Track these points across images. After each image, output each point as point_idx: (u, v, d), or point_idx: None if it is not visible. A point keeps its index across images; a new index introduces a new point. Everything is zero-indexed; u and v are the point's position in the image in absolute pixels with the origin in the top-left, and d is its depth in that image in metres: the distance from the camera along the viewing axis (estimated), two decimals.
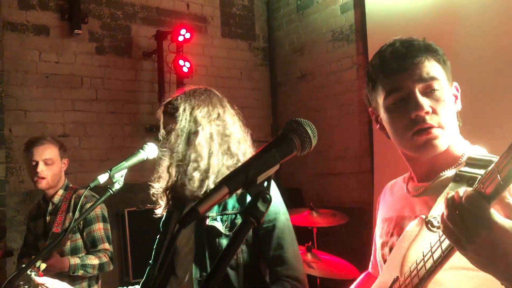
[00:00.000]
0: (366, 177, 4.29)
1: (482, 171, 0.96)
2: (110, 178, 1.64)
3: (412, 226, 1.09)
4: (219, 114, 1.68)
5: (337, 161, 4.62)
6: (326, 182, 4.70)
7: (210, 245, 1.59)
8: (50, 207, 2.72)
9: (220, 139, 1.64)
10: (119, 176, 1.65)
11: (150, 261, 1.83)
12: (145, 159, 1.71)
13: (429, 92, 1.08)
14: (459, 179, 1.03)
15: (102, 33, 4.36)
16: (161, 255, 1.75)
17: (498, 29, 3.14)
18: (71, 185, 2.81)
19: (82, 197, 2.50)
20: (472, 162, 1.06)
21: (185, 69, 4.30)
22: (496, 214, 0.75)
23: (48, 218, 2.72)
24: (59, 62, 4.12)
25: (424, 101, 1.06)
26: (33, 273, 2.09)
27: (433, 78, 1.08)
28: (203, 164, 1.59)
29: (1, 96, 3.64)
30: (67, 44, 4.17)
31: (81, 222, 2.62)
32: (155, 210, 1.79)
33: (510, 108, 2.95)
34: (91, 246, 2.64)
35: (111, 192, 1.63)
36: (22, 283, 2.07)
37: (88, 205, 2.57)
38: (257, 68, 5.35)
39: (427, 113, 1.06)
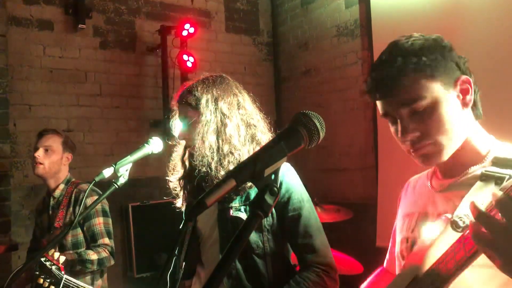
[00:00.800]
0: (371, 173, 4.28)
1: (510, 171, 0.96)
2: (115, 172, 1.64)
3: (435, 224, 1.06)
4: (240, 103, 1.68)
5: (341, 157, 4.61)
6: (331, 178, 4.69)
7: None
8: (52, 202, 2.74)
9: (246, 128, 1.64)
10: (124, 171, 1.65)
11: (175, 252, 1.83)
12: (150, 153, 1.71)
13: (417, 112, 1.06)
14: (485, 178, 1.00)
15: (106, 28, 4.35)
16: (185, 245, 1.75)
17: (505, 24, 3.11)
18: (73, 179, 2.82)
19: (85, 191, 2.52)
20: (499, 162, 1.03)
21: (189, 64, 4.29)
22: None
23: (50, 212, 2.73)
24: (63, 56, 4.12)
25: (411, 126, 1.06)
26: (53, 267, 2.11)
27: (416, 100, 1.05)
28: (237, 155, 1.59)
29: (6, 91, 3.64)
30: (71, 39, 4.16)
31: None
32: (175, 203, 1.80)
33: None
34: (91, 240, 2.64)
35: (116, 186, 1.63)
36: (43, 276, 2.08)
37: (88, 200, 2.59)
38: (261, 63, 5.33)
39: (415, 137, 1.06)
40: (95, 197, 2.62)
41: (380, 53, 1.14)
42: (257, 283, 1.57)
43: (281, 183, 1.59)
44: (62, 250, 2.57)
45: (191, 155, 1.68)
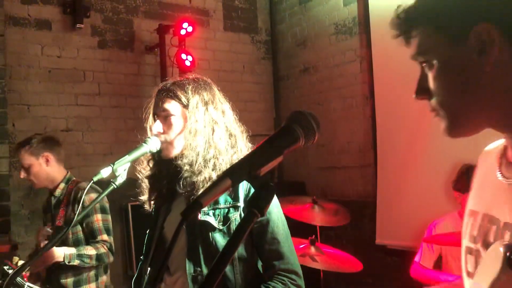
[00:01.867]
0: (370, 171, 4.29)
1: None
2: (113, 172, 1.63)
3: (491, 255, 0.78)
4: (225, 111, 1.69)
5: (340, 155, 4.61)
6: (330, 176, 4.70)
7: (204, 240, 1.58)
8: (53, 201, 2.75)
9: (229, 136, 1.65)
10: (122, 170, 1.64)
11: (141, 257, 1.83)
12: (148, 152, 1.70)
13: (430, 70, 0.87)
14: None
15: (104, 27, 4.35)
16: (152, 250, 1.74)
17: None
18: (74, 178, 2.81)
19: (84, 190, 2.52)
20: None
21: (187, 63, 4.29)
22: None
23: (53, 211, 2.74)
24: (61, 56, 4.12)
25: (423, 85, 0.89)
26: (10, 271, 2.13)
27: (425, 53, 0.86)
28: (221, 160, 1.59)
29: (4, 91, 3.64)
30: (69, 38, 4.16)
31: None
32: (145, 206, 1.81)
33: None
34: (90, 237, 2.66)
35: (115, 185, 1.62)
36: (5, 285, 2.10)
37: (86, 198, 2.59)
38: (259, 62, 5.33)
39: (426, 100, 0.89)
40: (94, 195, 2.62)
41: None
42: None
43: (250, 189, 1.59)
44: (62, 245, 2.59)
45: (163, 153, 1.65)
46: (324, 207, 3.32)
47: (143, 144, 1.67)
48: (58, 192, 2.73)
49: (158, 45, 4.45)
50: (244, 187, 1.59)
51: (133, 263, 4.14)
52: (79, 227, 2.67)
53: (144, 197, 1.80)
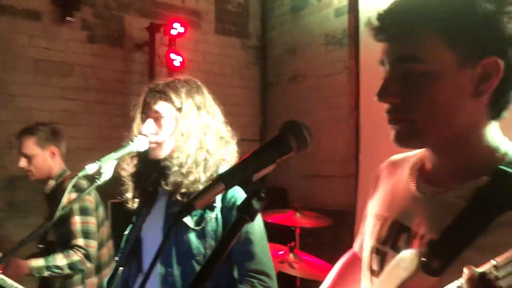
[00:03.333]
0: (351, 181, 4.33)
1: None
2: (99, 169, 1.62)
3: (406, 258, 0.85)
4: (216, 114, 1.71)
5: (323, 164, 4.65)
6: (312, 184, 4.73)
7: (177, 241, 1.58)
8: (45, 197, 2.68)
9: (219, 139, 1.67)
10: (108, 167, 1.63)
11: (115, 258, 1.81)
12: (134, 151, 1.70)
13: (410, 75, 0.85)
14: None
15: (94, 21, 4.31)
16: (127, 251, 1.73)
17: None
18: (67, 173, 2.72)
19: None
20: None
21: (176, 63, 4.28)
22: None
23: (46, 207, 2.68)
24: (49, 48, 4.07)
25: (393, 87, 0.87)
26: None
27: (414, 59, 0.84)
28: (211, 163, 1.61)
29: None
30: (58, 31, 4.12)
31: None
32: (128, 205, 1.81)
33: None
34: (67, 241, 2.50)
35: (98, 182, 1.61)
36: None
37: (64, 199, 2.51)
38: (248, 67, 5.35)
39: (393, 104, 0.88)
40: (73, 194, 2.49)
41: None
42: None
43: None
44: (51, 246, 2.52)
45: (151, 153, 1.65)
46: (305, 215, 3.35)
47: (130, 142, 1.67)
48: (47, 189, 2.67)
49: (148, 43, 4.44)
50: None
51: None
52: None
53: (128, 195, 1.79)
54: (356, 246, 1.31)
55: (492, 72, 0.81)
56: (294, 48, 5.07)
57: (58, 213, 1.59)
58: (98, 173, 1.62)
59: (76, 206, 2.52)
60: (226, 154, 1.68)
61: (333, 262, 3.08)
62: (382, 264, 0.97)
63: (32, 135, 2.60)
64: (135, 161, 1.76)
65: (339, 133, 4.50)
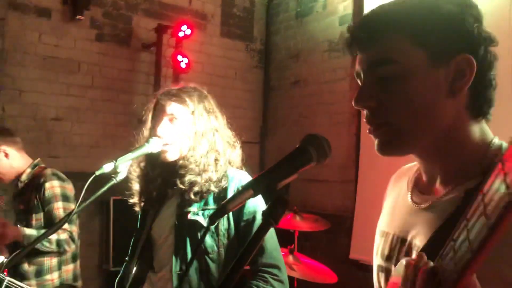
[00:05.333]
0: (350, 186, 4.41)
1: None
2: (115, 168, 1.69)
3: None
4: (222, 120, 1.82)
5: (323, 168, 4.73)
6: (311, 188, 4.81)
7: (192, 239, 1.66)
8: (19, 185, 2.74)
9: (225, 143, 1.77)
10: (124, 167, 1.70)
11: (126, 258, 1.89)
12: (149, 153, 1.76)
13: (383, 79, 0.87)
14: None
15: (103, 21, 4.38)
16: (138, 251, 1.80)
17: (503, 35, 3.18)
18: (42, 165, 2.79)
19: (45, 176, 2.61)
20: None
21: (183, 65, 4.36)
22: None
23: (19, 196, 2.75)
24: (58, 45, 4.14)
25: (368, 92, 0.88)
26: None
27: (384, 62, 0.86)
28: (219, 166, 1.71)
29: None
30: (67, 29, 4.18)
31: (42, 201, 2.61)
32: (135, 207, 1.88)
33: None
34: (50, 225, 2.56)
35: (115, 181, 1.68)
36: None
37: (47, 184, 2.60)
38: (252, 70, 5.43)
39: (369, 108, 0.88)
40: (55, 181, 2.64)
41: None
42: (209, 286, 1.63)
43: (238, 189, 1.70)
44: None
45: (162, 154, 1.72)
46: (304, 217, 3.44)
47: (146, 144, 1.74)
48: (23, 177, 2.73)
49: (155, 44, 4.51)
50: (232, 189, 1.70)
51: (110, 257, 4.16)
52: (42, 214, 2.64)
53: (135, 198, 1.86)
54: None
55: (465, 68, 0.82)
56: (297, 53, 5.15)
57: (78, 209, 1.64)
58: (115, 172, 1.69)
59: (57, 193, 2.63)
60: (233, 156, 1.78)
61: (329, 265, 3.15)
62: (387, 281, 0.96)
63: None
64: (142, 164, 1.83)
65: (340, 138, 4.58)
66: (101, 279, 4.24)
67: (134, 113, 4.49)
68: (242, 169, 1.80)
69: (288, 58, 5.26)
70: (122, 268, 1.89)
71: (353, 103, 0.88)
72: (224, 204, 0.75)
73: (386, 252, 0.97)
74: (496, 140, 0.88)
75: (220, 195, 1.69)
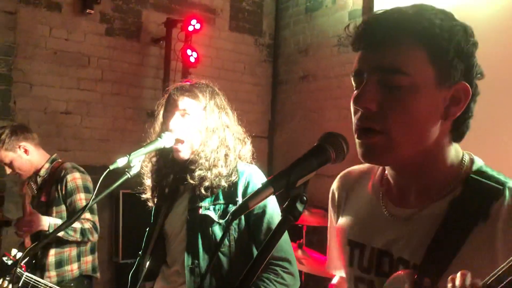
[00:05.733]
0: None
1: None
2: (128, 162, 1.70)
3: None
4: (233, 116, 1.84)
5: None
6: (319, 183, 4.79)
7: (203, 233, 1.68)
8: (39, 180, 2.80)
9: (235, 139, 1.79)
10: (137, 161, 1.72)
11: (139, 252, 1.91)
12: (162, 147, 1.78)
13: (389, 87, 0.87)
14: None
15: (113, 15, 4.40)
16: (151, 246, 1.82)
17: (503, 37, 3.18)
18: (59, 160, 2.85)
19: (66, 169, 2.68)
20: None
21: (192, 59, 4.36)
22: None
23: (38, 189, 2.80)
24: (68, 39, 4.16)
25: (371, 95, 0.88)
26: (16, 267, 2.20)
27: (398, 71, 0.86)
28: (229, 161, 1.72)
29: (11, 69, 3.67)
30: (78, 23, 4.20)
31: (64, 193, 2.68)
32: (148, 203, 1.89)
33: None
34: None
35: (129, 175, 1.70)
36: (3, 276, 2.17)
37: (68, 177, 2.67)
38: (260, 64, 5.43)
39: (368, 110, 0.89)
40: (76, 173, 2.70)
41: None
42: (220, 281, 1.65)
43: (248, 183, 1.71)
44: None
45: (175, 148, 1.73)
46: (313, 212, 3.45)
47: (158, 139, 1.75)
48: (43, 171, 2.78)
49: (165, 38, 4.51)
50: (242, 184, 1.71)
51: (119, 250, 4.20)
52: (63, 206, 2.70)
53: (148, 194, 1.87)
54: (331, 269, 1.31)
55: (462, 97, 0.87)
56: (306, 47, 5.14)
57: (96, 199, 1.67)
58: (128, 166, 1.71)
59: (79, 184, 2.70)
60: (243, 151, 1.80)
61: None
62: None
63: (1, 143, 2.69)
64: (154, 159, 1.84)
65: (348, 133, 4.54)
66: (110, 272, 4.28)
67: (143, 107, 4.53)
68: (252, 163, 1.82)
69: (297, 53, 5.25)
70: (136, 262, 1.92)
71: (352, 101, 0.89)
72: (246, 201, 0.76)
73: (365, 264, 0.99)
74: (466, 156, 0.94)
75: (231, 190, 1.71)
